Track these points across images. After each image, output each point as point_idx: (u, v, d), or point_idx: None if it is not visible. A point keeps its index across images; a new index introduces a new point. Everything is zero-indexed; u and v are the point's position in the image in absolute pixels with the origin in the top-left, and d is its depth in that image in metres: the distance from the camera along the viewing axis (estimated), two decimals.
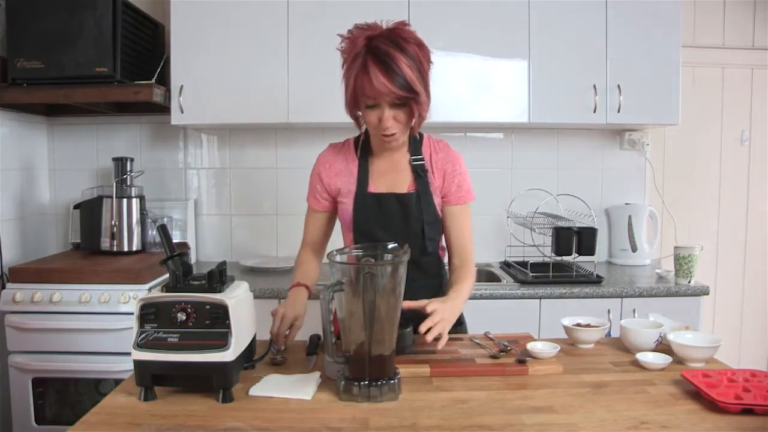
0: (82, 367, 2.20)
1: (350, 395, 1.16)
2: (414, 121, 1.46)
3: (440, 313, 1.36)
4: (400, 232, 1.52)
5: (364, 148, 1.60)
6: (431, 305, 1.37)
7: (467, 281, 1.56)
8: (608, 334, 1.58)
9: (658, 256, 2.92)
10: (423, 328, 1.32)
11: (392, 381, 1.18)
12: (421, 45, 1.42)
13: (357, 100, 1.44)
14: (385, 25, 1.43)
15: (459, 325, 1.66)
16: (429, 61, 1.45)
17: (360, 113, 1.48)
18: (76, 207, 2.65)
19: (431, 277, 1.64)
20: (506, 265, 2.73)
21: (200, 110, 2.52)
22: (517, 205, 2.73)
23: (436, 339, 1.32)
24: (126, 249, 2.57)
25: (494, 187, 2.88)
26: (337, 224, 1.69)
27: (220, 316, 1.15)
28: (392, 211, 1.55)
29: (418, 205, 1.55)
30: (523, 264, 2.62)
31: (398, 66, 1.36)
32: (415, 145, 1.59)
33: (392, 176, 1.59)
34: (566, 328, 1.50)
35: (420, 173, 1.57)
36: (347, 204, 1.58)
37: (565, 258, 2.49)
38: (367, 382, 1.16)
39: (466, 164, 1.62)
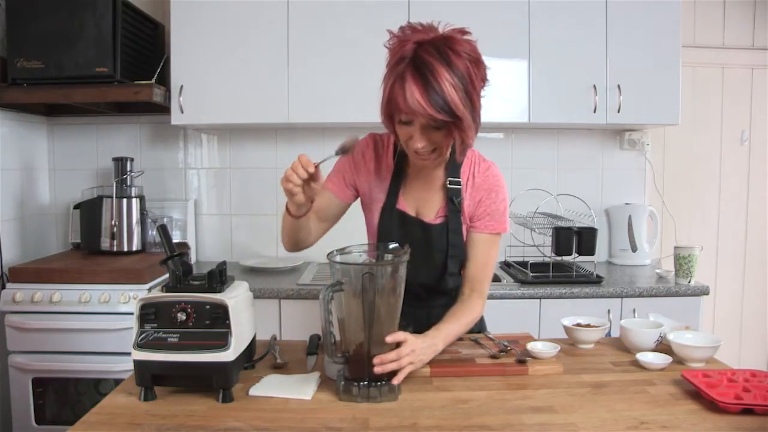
0: (82, 367, 2.20)
1: (350, 395, 1.16)
2: (456, 144, 1.30)
3: (410, 346, 1.20)
4: (421, 256, 1.41)
5: (402, 154, 1.44)
6: (407, 340, 1.21)
7: (464, 319, 1.40)
8: (608, 334, 1.58)
9: (658, 256, 2.92)
10: (378, 360, 1.16)
11: (392, 382, 1.18)
12: (476, 61, 1.24)
13: (391, 112, 1.29)
14: (442, 29, 1.26)
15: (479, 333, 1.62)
16: (483, 80, 1.27)
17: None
18: (76, 207, 2.65)
19: (452, 297, 1.51)
20: (506, 265, 2.73)
21: (200, 110, 2.52)
22: (517, 205, 2.73)
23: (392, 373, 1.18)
24: (126, 249, 2.58)
25: None
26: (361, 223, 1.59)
27: (220, 316, 1.15)
28: (415, 236, 1.43)
29: (443, 236, 1.44)
30: (523, 264, 2.62)
31: (439, 83, 1.18)
32: (455, 163, 1.44)
33: (424, 195, 1.47)
34: (566, 328, 1.50)
35: (453, 200, 1.43)
36: (374, 213, 1.48)
37: (565, 258, 2.49)
38: (366, 383, 1.16)
39: (506, 191, 1.47)
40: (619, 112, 2.54)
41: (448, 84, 1.19)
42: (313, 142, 2.85)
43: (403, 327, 1.36)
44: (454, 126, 1.24)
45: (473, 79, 1.23)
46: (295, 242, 1.45)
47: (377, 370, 1.15)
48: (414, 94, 1.19)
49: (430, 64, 1.19)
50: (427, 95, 1.18)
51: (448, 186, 1.44)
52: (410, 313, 1.44)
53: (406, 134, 1.30)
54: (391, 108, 1.27)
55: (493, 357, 1.36)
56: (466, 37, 1.26)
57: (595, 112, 2.54)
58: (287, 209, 1.34)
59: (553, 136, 2.92)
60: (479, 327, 1.60)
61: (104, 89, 2.39)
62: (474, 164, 1.47)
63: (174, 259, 1.20)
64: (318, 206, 1.42)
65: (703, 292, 2.37)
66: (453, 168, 1.45)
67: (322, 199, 1.45)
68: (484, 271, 1.47)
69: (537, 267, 2.53)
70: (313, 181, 1.22)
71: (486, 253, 1.46)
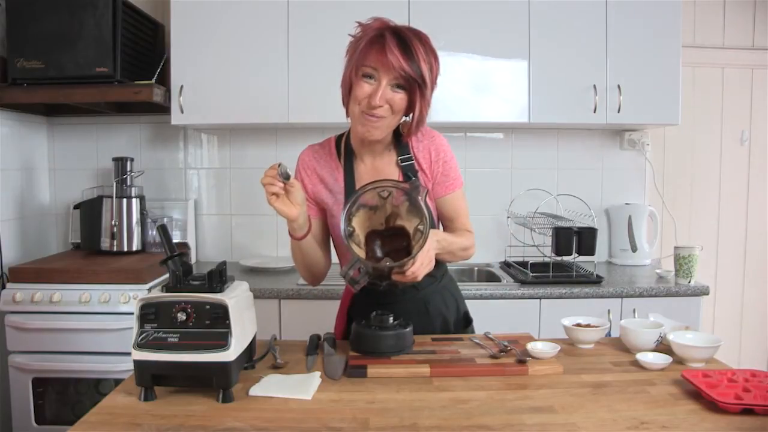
0: (82, 367, 2.21)
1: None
2: (413, 117, 1.36)
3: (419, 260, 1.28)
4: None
5: (348, 151, 1.49)
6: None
7: (460, 237, 1.50)
8: (608, 334, 1.58)
9: (658, 256, 2.92)
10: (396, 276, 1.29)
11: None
12: (436, 58, 1.36)
13: (357, 69, 1.32)
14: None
15: (468, 326, 1.66)
16: (437, 78, 1.38)
17: (354, 86, 1.34)
18: (76, 207, 2.65)
19: (438, 281, 1.59)
20: (506, 265, 2.73)
21: (200, 110, 2.52)
22: (517, 205, 2.73)
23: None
24: (126, 249, 2.58)
25: (494, 187, 2.88)
26: None
27: (220, 316, 1.15)
28: None
29: None
30: (523, 264, 2.62)
31: (415, 51, 1.29)
32: (401, 143, 1.49)
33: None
34: (566, 328, 1.50)
35: (410, 175, 1.46)
36: (338, 220, 1.42)
37: (565, 258, 2.49)
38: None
39: (452, 150, 1.52)
40: (619, 112, 2.54)
41: (422, 56, 1.30)
42: (312, 142, 2.84)
43: (403, 326, 1.38)
44: (418, 90, 1.32)
45: (433, 67, 1.35)
46: (309, 269, 1.52)
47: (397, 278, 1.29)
48: (393, 51, 1.28)
49: (409, 36, 1.30)
50: (406, 55, 1.28)
51: (402, 164, 1.48)
52: (408, 304, 1.52)
53: (368, 90, 1.32)
54: (359, 63, 1.32)
55: (493, 357, 1.36)
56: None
57: (595, 112, 2.54)
58: (290, 234, 1.41)
59: (553, 136, 2.92)
60: (468, 319, 1.66)
61: (104, 89, 2.39)
62: (416, 139, 1.50)
63: (174, 259, 1.20)
64: (312, 231, 1.47)
65: (703, 292, 2.37)
66: (402, 147, 1.49)
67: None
68: (467, 219, 1.57)
69: (537, 267, 2.53)
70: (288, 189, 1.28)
71: (461, 206, 1.55)
